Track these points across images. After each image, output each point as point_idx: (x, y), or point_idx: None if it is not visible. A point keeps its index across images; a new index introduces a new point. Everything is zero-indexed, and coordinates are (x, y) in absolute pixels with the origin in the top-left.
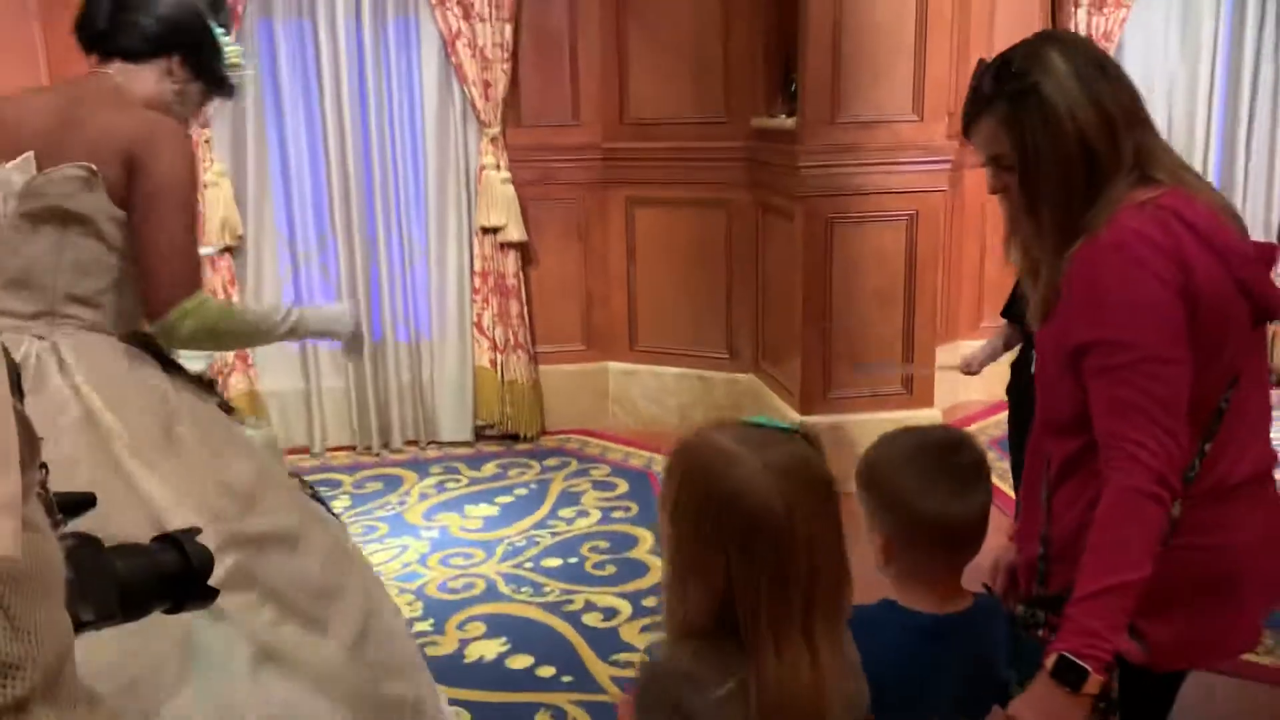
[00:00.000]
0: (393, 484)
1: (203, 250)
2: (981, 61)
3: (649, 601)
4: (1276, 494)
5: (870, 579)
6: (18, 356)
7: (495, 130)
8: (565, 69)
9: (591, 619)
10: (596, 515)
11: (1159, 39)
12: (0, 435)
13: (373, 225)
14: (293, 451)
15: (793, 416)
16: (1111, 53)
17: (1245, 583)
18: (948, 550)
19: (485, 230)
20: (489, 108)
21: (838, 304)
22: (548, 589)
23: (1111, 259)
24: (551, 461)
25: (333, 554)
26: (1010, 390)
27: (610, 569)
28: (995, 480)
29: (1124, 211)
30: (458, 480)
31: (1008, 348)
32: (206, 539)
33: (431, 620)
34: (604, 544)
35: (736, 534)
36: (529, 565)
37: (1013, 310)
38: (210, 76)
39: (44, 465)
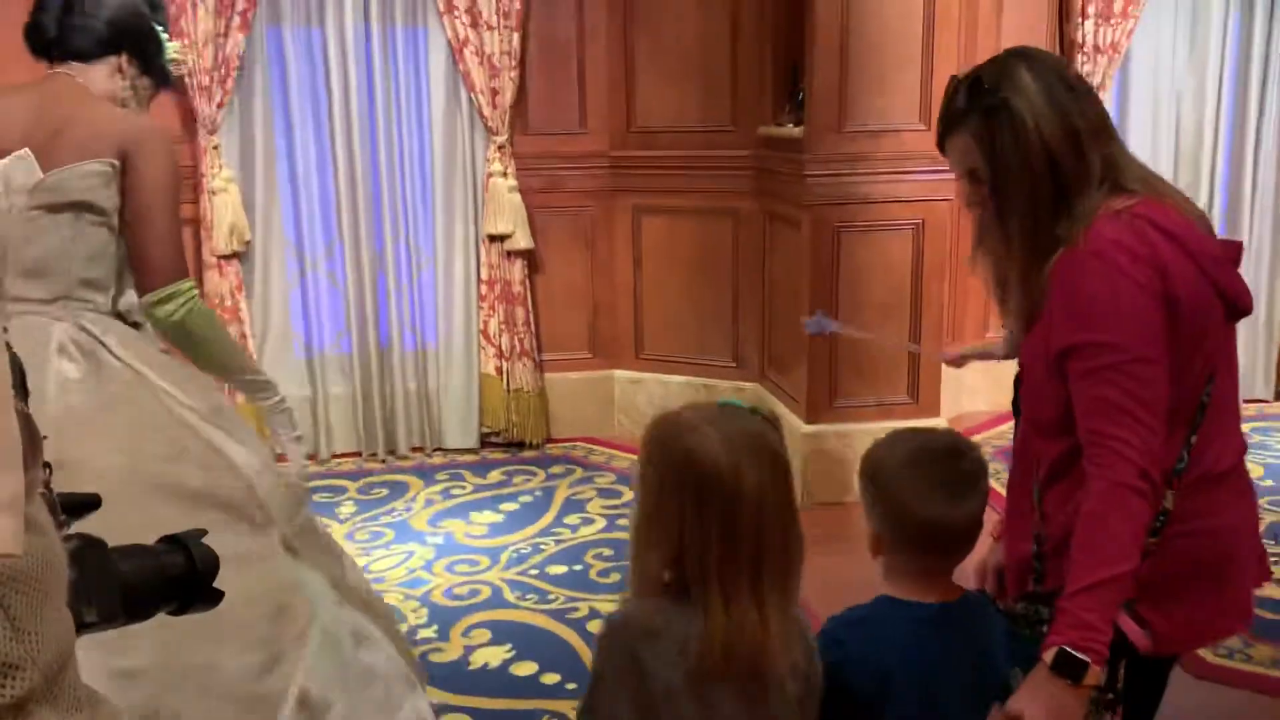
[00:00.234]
0: (398, 490)
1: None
2: (954, 78)
3: None
4: (1250, 478)
5: (875, 581)
6: (51, 340)
7: (502, 138)
8: (573, 77)
9: (596, 626)
10: (601, 523)
11: (1167, 49)
12: (2, 434)
13: (380, 232)
14: None
15: (799, 426)
16: (1119, 64)
17: (1234, 563)
18: (938, 553)
19: (492, 238)
20: (496, 115)
21: (844, 312)
22: (552, 596)
23: (1093, 267)
24: (557, 469)
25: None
26: (1015, 405)
27: (615, 576)
28: (997, 486)
29: (1101, 221)
30: (463, 487)
31: (1006, 357)
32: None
33: (436, 627)
34: (608, 551)
35: (690, 490)
36: (534, 572)
37: None
38: (158, 71)
39: (47, 465)
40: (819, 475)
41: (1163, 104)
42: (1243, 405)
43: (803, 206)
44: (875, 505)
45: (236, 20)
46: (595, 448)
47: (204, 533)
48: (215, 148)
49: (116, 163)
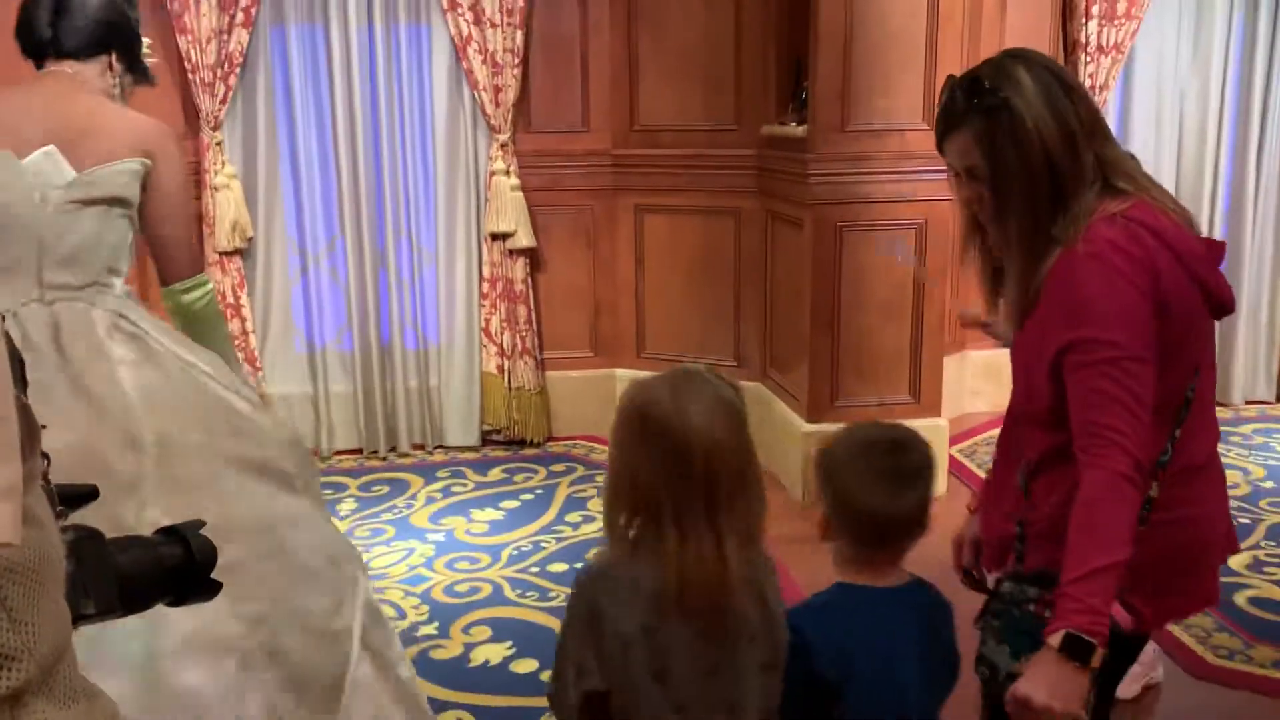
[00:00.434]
0: (399, 488)
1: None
2: (951, 78)
3: None
4: (1222, 467)
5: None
6: (97, 325)
7: (505, 136)
8: (576, 75)
9: None
10: (602, 521)
11: (1170, 50)
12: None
13: (382, 230)
14: None
15: (800, 425)
16: (1122, 64)
17: (1209, 547)
18: (880, 542)
19: (494, 236)
20: (499, 113)
21: (846, 312)
22: (553, 594)
23: (1091, 269)
24: (558, 467)
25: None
26: None
27: None
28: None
29: (1098, 224)
30: (464, 485)
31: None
32: None
33: (436, 624)
34: None
35: (643, 439)
36: (534, 570)
37: None
38: (139, 67)
39: (46, 455)
40: None
41: (1166, 104)
42: (1244, 406)
43: (805, 206)
44: (823, 493)
45: (240, 16)
46: (596, 446)
47: (202, 524)
48: (218, 144)
49: (148, 161)
